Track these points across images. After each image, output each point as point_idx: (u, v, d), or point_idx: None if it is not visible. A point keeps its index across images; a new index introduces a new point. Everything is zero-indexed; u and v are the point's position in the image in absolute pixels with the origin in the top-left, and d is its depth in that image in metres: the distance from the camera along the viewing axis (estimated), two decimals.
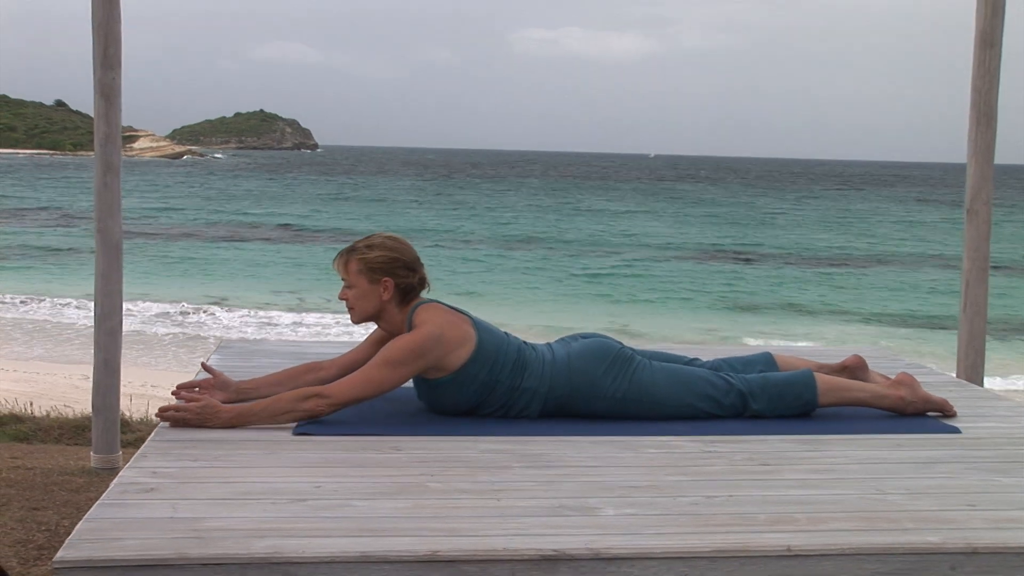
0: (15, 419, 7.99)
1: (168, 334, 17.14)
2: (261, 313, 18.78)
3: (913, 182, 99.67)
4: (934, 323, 20.41)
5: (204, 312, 19.10)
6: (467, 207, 49.41)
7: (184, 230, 36.14)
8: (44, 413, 8.46)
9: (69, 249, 29.24)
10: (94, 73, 4.76)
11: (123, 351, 5.12)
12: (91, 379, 5.00)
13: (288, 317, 18.50)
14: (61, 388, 11.99)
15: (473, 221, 41.99)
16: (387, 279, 3.29)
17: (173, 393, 3.31)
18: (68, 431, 7.56)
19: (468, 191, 64.61)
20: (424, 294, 3.40)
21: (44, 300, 19.83)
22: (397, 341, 3.20)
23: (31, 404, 9.70)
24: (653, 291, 24.14)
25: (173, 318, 18.56)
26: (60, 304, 19.41)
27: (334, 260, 3.39)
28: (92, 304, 5.14)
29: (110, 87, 4.76)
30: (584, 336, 3.46)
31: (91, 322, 5.23)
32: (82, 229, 34.34)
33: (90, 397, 5.10)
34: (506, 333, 3.38)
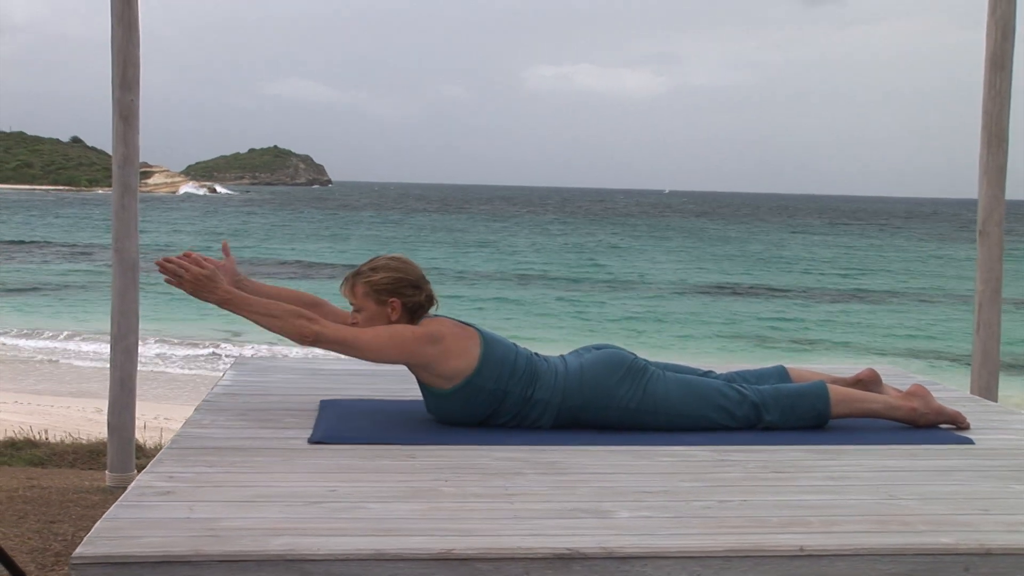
0: (30, 444, 8.02)
1: (183, 367, 17.18)
2: (275, 349, 18.87)
3: (940, 218, 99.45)
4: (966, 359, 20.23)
5: (216, 347, 19.12)
6: (479, 244, 49.23)
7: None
8: (59, 440, 8.50)
9: (84, 284, 29.35)
10: (112, 95, 4.83)
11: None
12: (105, 411, 5.03)
13: (297, 351, 18.55)
14: (75, 420, 12.02)
15: (485, 258, 41.80)
16: (394, 299, 3.33)
17: (180, 255, 3.33)
18: (83, 456, 7.58)
19: (480, 227, 64.59)
20: (432, 311, 3.43)
21: (58, 334, 19.90)
22: (400, 324, 3.27)
23: (45, 432, 9.73)
24: (676, 326, 24.05)
25: (186, 353, 18.59)
26: (74, 338, 19.46)
27: (341, 286, 3.43)
28: (106, 338, 5.17)
29: (128, 109, 4.83)
30: (597, 347, 3.48)
31: (106, 358, 5.27)
32: (97, 264, 34.50)
33: (103, 428, 5.13)
34: (515, 344, 3.40)
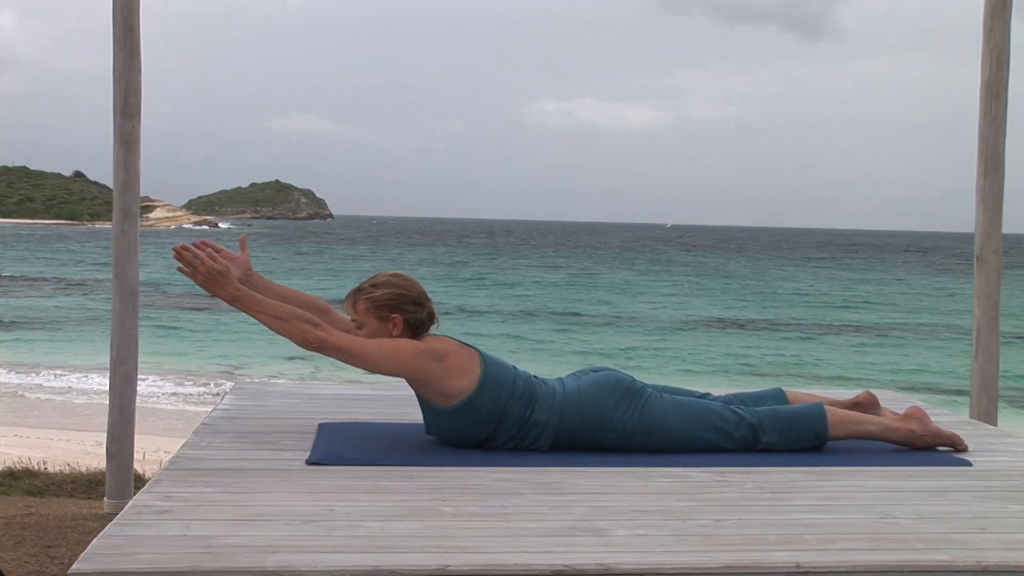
0: (28, 474, 8.00)
1: (185, 403, 17.14)
2: (274, 381, 18.77)
3: (941, 252, 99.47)
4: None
5: (214, 383, 19.07)
6: (478, 277, 48.98)
7: (196, 299, 36.26)
8: (57, 470, 8.48)
9: (85, 319, 29.32)
10: (114, 121, 4.87)
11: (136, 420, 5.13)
12: (104, 444, 5.02)
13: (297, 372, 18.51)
14: (74, 453, 11.99)
15: (485, 292, 41.57)
16: (395, 315, 3.34)
17: (195, 244, 3.33)
18: (81, 485, 7.56)
19: (481, 260, 64.53)
20: (433, 329, 3.44)
21: (56, 368, 19.88)
22: (403, 338, 3.28)
23: (44, 464, 9.70)
24: (677, 360, 24.00)
25: (188, 389, 18.56)
26: (72, 373, 19.43)
27: (343, 302, 3.44)
28: (106, 372, 5.16)
29: (130, 135, 4.86)
30: (595, 370, 3.48)
31: (106, 392, 5.24)
32: (92, 297, 34.49)
33: (103, 460, 5.11)
34: (515, 366, 3.41)
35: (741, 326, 31.46)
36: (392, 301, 3.35)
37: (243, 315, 3.33)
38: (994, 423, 5.23)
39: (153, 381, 18.48)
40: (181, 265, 3.27)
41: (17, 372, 19.60)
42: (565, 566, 2.20)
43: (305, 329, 3.22)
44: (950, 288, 47.91)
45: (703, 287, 46.93)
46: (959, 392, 18.88)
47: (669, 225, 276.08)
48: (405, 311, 3.35)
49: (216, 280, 3.22)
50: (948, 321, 33.43)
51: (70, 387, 18.26)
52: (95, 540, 2.28)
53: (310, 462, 3.10)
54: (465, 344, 3.37)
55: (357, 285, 3.44)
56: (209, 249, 3.32)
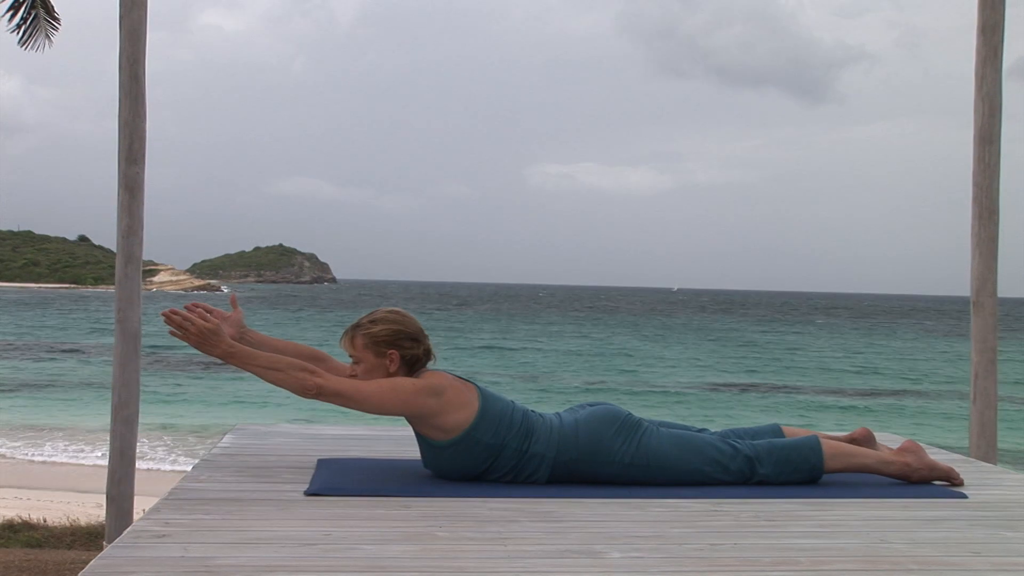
0: (28, 527, 8.00)
1: (188, 462, 17.10)
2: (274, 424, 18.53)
3: (948, 315, 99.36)
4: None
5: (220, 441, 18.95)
6: (483, 346, 48.39)
7: (196, 360, 36.25)
8: (56, 524, 8.49)
9: (83, 383, 29.28)
10: (119, 167, 4.95)
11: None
12: (104, 505, 5.04)
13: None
14: (74, 515, 11.99)
15: (488, 360, 41.05)
16: (392, 351, 3.37)
17: (186, 307, 3.37)
18: (81, 537, 7.56)
19: (484, 326, 64.25)
20: (430, 366, 3.47)
21: (57, 432, 19.84)
22: (400, 376, 3.30)
23: (44, 519, 9.69)
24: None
25: (181, 449, 18.51)
26: (70, 437, 19.39)
27: (340, 339, 3.47)
28: (104, 436, 5.19)
29: (134, 180, 4.94)
30: (592, 404, 3.51)
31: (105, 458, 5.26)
32: (97, 362, 34.50)
33: (103, 515, 5.12)
34: (513, 401, 3.44)
35: (762, 390, 31.32)
36: (390, 337, 3.38)
37: (249, 382, 3.36)
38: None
39: (152, 443, 18.45)
40: (173, 328, 3.31)
41: (18, 435, 19.58)
42: None
43: (302, 377, 3.24)
44: (957, 351, 47.81)
45: (714, 351, 46.67)
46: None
47: (676, 288, 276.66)
48: (402, 347, 3.38)
49: (208, 340, 3.25)
50: (960, 385, 33.23)
51: (70, 450, 18.22)
52: (93, 561, 2.30)
53: (309, 493, 3.12)
54: (462, 379, 3.40)
55: (355, 321, 3.48)
56: (200, 310, 3.36)
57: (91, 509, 12.19)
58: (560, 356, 42.47)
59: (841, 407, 27.78)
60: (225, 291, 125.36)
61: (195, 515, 2.80)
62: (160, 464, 17.10)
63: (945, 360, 43.63)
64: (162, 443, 19.01)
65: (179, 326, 3.27)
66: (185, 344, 3.34)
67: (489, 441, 3.29)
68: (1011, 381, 29.79)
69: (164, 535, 2.56)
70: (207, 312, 3.38)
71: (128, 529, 2.62)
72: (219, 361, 3.35)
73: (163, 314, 3.29)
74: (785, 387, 32.78)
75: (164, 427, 20.58)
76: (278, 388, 3.32)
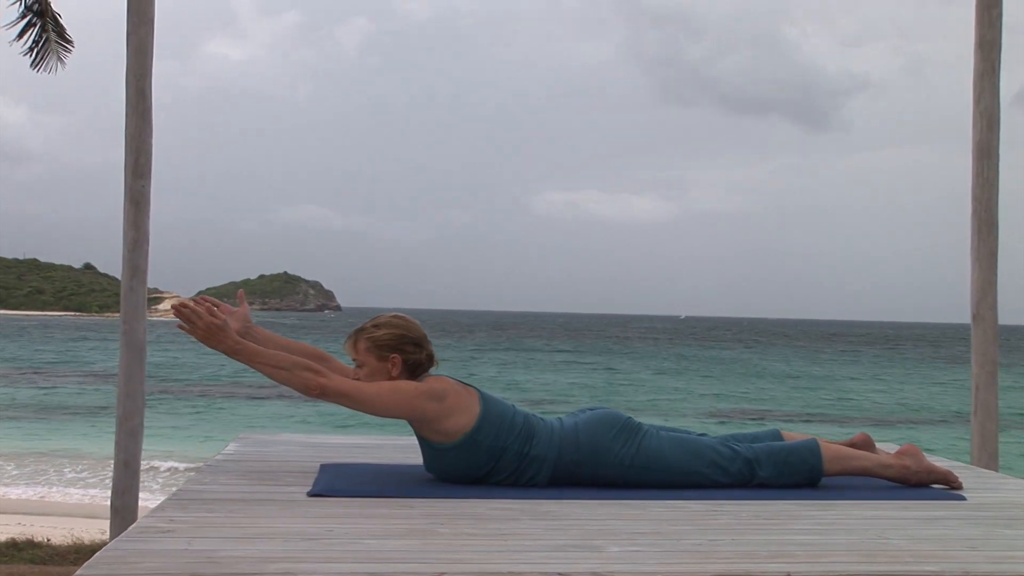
0: (31, 545, 8.02)
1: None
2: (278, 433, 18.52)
3: (954, 342, 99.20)
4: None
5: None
6: (488, 378, 48.06)
7: (200, 387, 36.24)
8: (60, 542, 8.49)
9: (96, 407, 29.30)
10: (125, 181, 5.00)
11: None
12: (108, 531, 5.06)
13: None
14: (79, 536, 12.00)
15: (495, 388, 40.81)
16: (395, 356, 3.40)
17: (195, 299, 3.40)
18: (85, 555, 7.55)
19: (488, 355, 64.07)
20: (432, 371, 3.51)
21: (64, 458, 19.86)
22: (402, 380, 3.33)
23: (48, 539, 9.70)
24: None
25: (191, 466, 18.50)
26: (81, 463, 19.39)
27: (344, 343, 3.51)
28: (109, 463, 5.22)
29: (140, 194, 5.00)
30: (592, 408, 3.54)
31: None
32: (87, 389, 34.51)
33: (107, 533, 5.15)
34: (514, 404, 3.47)
35: (777, 417, 31.21)
36: (393, 342, 3.42)
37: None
38: None
39: (155, 464, 18.46)
40: (181, 322, 3.35)
41: (27, 460, 19.61)
42: (559, 573, 2.24)
43: (306, 377, 3.28)
44: (963, 378, 47.60)
45: (725, 380, 46.39)
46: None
47: (683, 316, 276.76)
48: (405, 352, 3.42)
49: (215, 334, 3.29)
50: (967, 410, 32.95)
51: (74, 479, 18.23)
52: (98, 553, 2.33)
53: (311, 494, 3.15)
54: (464, 383, 3.44)
55: (359, 325, 3.52)
56: (207, 304, 3.40)
57: (96, 535, 12.22)
58: (558, 388, 42.01)
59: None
60: None
61: (199, 513, 2.83)
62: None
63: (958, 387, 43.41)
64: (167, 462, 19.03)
65: (187, 319, 3.31)
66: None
67: (491, 444, 3.32)
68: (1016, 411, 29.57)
69: (169, 531, 2.59)
70: (214, 307, 3.42)
71: (133, 525, 2.65)
72: (225, 357, 3.39)
73: (172, 306, 3.33)
74: (778, 413, 32.63)
75: (171, 452, 20.60)
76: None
